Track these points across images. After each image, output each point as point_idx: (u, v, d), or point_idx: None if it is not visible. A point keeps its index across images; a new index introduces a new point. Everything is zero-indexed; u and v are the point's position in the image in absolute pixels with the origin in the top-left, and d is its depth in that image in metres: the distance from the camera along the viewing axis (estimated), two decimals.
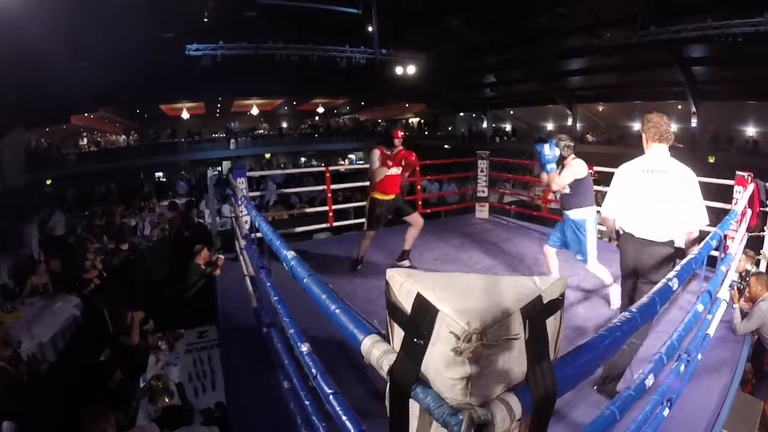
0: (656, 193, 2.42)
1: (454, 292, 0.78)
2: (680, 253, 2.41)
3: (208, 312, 4.45)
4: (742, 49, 10.12)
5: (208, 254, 5.08)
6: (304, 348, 1.70)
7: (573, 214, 3.77)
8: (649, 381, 1.51)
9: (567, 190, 3.74)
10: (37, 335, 4.68)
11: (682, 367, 2.07)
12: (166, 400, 3.33)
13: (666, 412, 1.95)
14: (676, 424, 2.20)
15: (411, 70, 14.53)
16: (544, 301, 0.81)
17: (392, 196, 4.63)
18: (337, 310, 1.11)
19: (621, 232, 2.68)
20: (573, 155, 3.74)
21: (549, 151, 3.66)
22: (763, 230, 4.24)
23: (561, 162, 3.73)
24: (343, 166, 20.48)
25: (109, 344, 4.39)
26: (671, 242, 2.46)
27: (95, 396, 3.53)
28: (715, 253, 2.70)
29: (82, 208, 11.35)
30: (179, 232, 7.31)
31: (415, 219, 4.76)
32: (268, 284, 2.42)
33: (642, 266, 2.47)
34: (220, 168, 18.76)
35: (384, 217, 4.65)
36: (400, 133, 4.66)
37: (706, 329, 2.53)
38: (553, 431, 0.84)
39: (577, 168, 3.69)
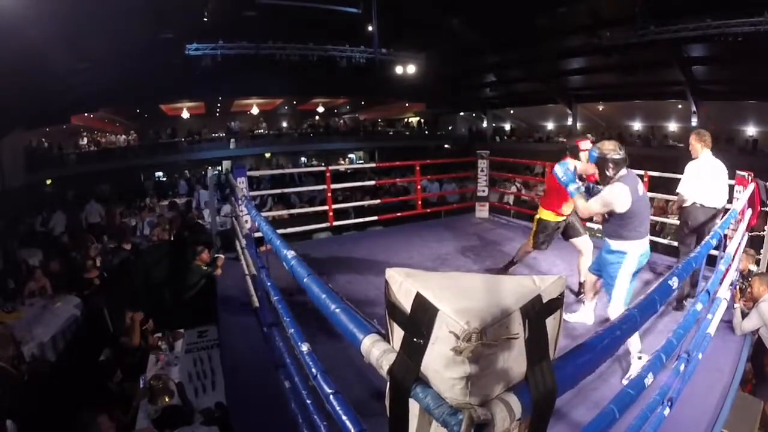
0: (717, 179, 3.79)
1: (454, 292, 0.78)
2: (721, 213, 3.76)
3: (208, 312, 4.45)
4: (742, 49, 10.12)
5: (207, 256, 5.09)
6: (305, 348, 1.70)
7: (611, 243, 3.02)
8: (648, 380, 1.51)
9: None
10: (37, 335, 4.68)
11: (682, 367, 2.07)
12: (166, 399, 3.33)
13: (666, 411, 1.95)
14: (677, 423, 2.20)
15: (411, 69, 14.51)
16: (544, 301, 0.80)
17: (562, 217, 3.94)
18: (337, 310, 1.11)
19: (688, 205, 3.84)
20: (620, 175, 2.87)
21: (562, 172, 2.99)
22: (764, 230, 4.24)
23: (605, 178, 2.93)
24: (343, 165, 20.49)
25: (109, 344, 4.39)
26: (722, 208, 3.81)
27: (95, 396, 3.53)
28: (714, 252, 2.70)
29: (82, 208, 11.35)
30: (179, 232, 7.32)
31: (583, 244, 4.01)
32: (269, 284, 2.42)
33: (707, 224, 3.77)
34: (220, 167, 18.79)
35: (550, 240, 4.07)
36: (584, 144, 3.64)
37: (707, 329, 2.53)
38: (553, 431, 0.84)
39: (615, 197, 2.82)
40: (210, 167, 7.12)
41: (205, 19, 11.62)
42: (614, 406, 1.29)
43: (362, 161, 24.73)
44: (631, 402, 1.42)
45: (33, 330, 4.73)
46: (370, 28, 12.82)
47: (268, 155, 23.21)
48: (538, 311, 0.79)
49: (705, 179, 3.77)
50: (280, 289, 2.34)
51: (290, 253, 1.64)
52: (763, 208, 4.14)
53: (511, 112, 23.08)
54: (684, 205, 3.87)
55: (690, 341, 2.28)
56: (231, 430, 2.82)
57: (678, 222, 4.24)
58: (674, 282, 1.44)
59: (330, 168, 6.58)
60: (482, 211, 7.06)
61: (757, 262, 4.27)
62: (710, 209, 3.76)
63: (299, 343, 1.75)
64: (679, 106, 15.65)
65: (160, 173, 20.43)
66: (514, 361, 0.75)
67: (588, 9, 12.53)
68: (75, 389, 3.70)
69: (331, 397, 1.39)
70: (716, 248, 2.56)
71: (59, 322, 5.05)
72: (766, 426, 3.04)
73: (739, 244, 3.55)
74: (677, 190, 3.92)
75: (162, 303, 5.23)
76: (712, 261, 2.99)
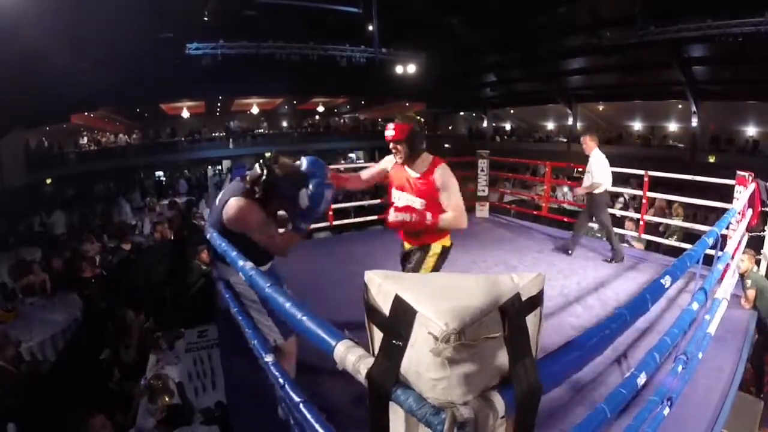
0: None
1: (432, 293, 0.78)
2: None
3: (208, 311, 4.45)
4: (742, 49, 10.11)
5: (207, 255, 5.09)
6: (269, 359, 1.64)
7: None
8: (641, 380, 1.51)
9: None
10: (37, 335, 4.68)
11: (680, 367, 2.08)
12: (166, 399, 3.33)
13: (666, 411, 1.95)
14: (676, 423, 2.20)
15: (411, 69, 14.51)
16: (523, 298, 0.80)
17: (406, 244, 2.71)
18: (304, 318, 1.07)
19: (601, 191, 4.87)
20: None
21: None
22: (764, 230, 4.24)
23: None
24: (343, 165, 20.49)
25: (109, 344, 4.39)
26: None
27: (95, 396, 3.53)
28: (711, 252, 2.70)
29: (82, 208, 11.38)
30: (179, 231, 7.31)
31: None
32: (227, 296, 2.16)
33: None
34: (220, 167, 18.80)
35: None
36: (389, 131, 2.51)
37: (706, 329, 2.53)
38: (551, 431, 0.84)
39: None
40: (210, 167, 7.12)
41: (206, 19, 11.63)
42: (605, 405, 1.29)
43: (362, 161, 24.71)
44: (623, 401, 1.42)
45: (33, 329, 4.73)
46: (370, 28, 12.82)
47: (268, 155, 23.18)
48: (517, 309, 0.78)
49: (608, 169, 4.86)
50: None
51: (248, 265, 1.55)
52: (763, 209, 4.14)
53: (512, 111, 23.08)
54: (597, 191, 4.85)
55: (689, 341, 2.28)
56: (231, 430, 2.83)
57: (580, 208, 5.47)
58: (667, 281, 1.43)
59: (330, 167, 6.56)
60: (482, 210, 7.07)
61: (758, 263, 4.26)
62: (608, 193, 5.03)
63: (263, 355, 1.68)
64: (679, 107, 15.65)
65: (161, 173, 20.44)
66: (496, 359, 0.75)
67: (588, 9, 12.52)
68: (75, 389, 3.71)
69: (301, 405, 1.34)
70: (713, 247, 2.55)
71: (59, 321, 5.05)
72: (766, 426, 3.05)
73: (739, 243, 3.55)
74: (595, 180, 4.82)
75: (162, 302, 5.23)
76: (711, 261, 2.99)
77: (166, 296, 5.40)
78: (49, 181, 15.78)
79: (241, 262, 1.58)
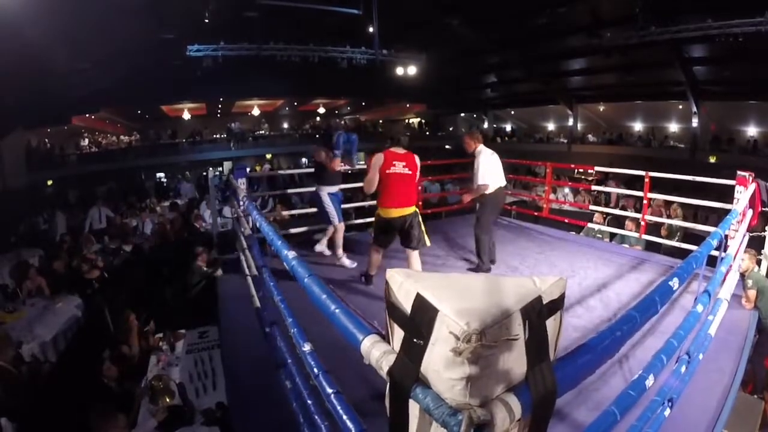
0: (498, 163, 4.71)
1: (454, 293, 0.78)
2: None
3: (209, 312, 4.45)
4: (742, 49, 10.12)
5: (208, 257, 5.10)
6: (307, 347, 1.70)
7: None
8: (649, 382, 1.51)
9: None
10: (38, 335, 4.68)
11: (683, 368, 2.07)
12: (167, 400, 3.33)
13: (667, 412, 1.95)
14: (677, 424, 2.20)
15: (412, 70, 14.51)
16: (544, 302, 0.80)
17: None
18: (337, 311, 1.11)
19: (492, 191, 4.64)
20: None
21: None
22: (764, 230, 4.23)
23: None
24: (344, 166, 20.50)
25: (110, 345, 4.39)
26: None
27: (96, 396, 3.53)
28: (715, 253, 2.70)
29: (83, 209, 11.36)
30: (180, 233, 7.32)
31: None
32: (272, 284, 2.42)
33: (502, 201, 5.02)
34: (221, 168, 18.79)
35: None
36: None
37: (708, 329, 2.53)
38: (554, 431, 0.84)
39: None
40: (211, 168, 7.12)
41: (206, 20, 11.64)
42: (615, 407, 1.29)
43: (363, 162, 24.73)
44: (632, 403, 1.42)
45: (34, 330, 4.73)
46: (370, 29, 12.83)
47: (269, 156, 23.25)
48: (538, 312, 0.78)
49: (494, 166, 4.62)
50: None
51: (291, 254, 1.65)
52: (763, 209, 4.13)
53: (512, 112, 23.09)
54: (487, 192, 4.61)
55: (691, 342, 2.28)
56: (231, 431, 2.82)
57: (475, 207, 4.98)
58: (675, 283, 1.43)
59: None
60: None
61: (758, 262, 4.25)
62: (503, 188, 4.81)
63: (301, 343, 1.74)
64: (680, 107, 15.66)
65: (161, 174, 20.45)
66: (515, 361, 0.75)
67: (588, 9, 12.54)
68: (76, 389, 3.70)
69: (332, 396, 1.39)
70: (717, 249, 2.55)
71: (60, 322, 5.05)
72: (767, 426, 3.04)
73: (740, 244, 3.54)
74: (479, 182, 4.57)
75: (163, 304, 5.24)
76: (712, 262, 2.99)
77: (167, 297, 5.41)
78: (50, 182, 15.79)
79: (285, 252, 1.76)
